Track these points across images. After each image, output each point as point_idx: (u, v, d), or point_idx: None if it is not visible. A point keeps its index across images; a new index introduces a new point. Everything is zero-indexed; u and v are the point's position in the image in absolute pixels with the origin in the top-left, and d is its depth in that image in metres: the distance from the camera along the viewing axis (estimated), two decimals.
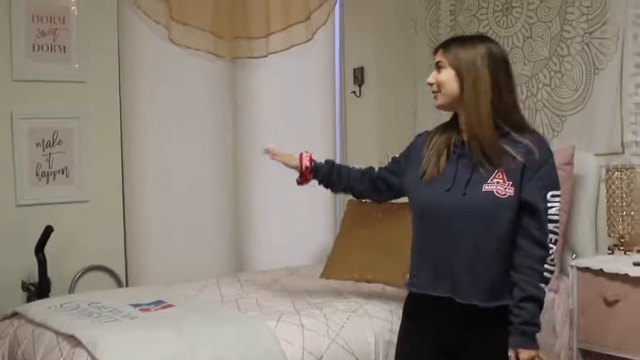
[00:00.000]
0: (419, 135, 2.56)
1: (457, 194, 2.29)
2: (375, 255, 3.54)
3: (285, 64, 4.27)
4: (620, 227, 3.36)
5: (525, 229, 2.26)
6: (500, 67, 2.32)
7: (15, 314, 3.10)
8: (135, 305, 3.04)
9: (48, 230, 3.66)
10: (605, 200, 3.45)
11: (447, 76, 2.33)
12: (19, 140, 3.82)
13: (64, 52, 3.92)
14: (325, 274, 3.71)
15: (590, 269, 3.21)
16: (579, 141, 3.59)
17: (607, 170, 3.45)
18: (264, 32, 4.20)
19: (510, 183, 2.26)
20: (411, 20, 4.50)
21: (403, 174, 2.55)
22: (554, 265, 2.29)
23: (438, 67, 2.36)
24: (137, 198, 4.08)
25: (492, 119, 2.29)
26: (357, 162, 4.52)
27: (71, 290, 3.91)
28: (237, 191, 4.31)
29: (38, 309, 3.03)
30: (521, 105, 2.45)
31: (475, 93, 2.29)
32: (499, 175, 2.27)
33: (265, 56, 4.22)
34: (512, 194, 2.25)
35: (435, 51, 2.39)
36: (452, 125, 2.42)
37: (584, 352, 3.27)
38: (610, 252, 3.39)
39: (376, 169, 2.78)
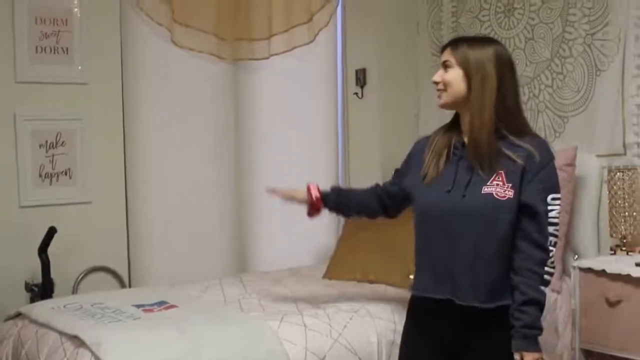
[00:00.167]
0: (418, 142, 2.56)
1: (457, 196, 2.30)
2: (378, 256, 3.56)
3: (287, 66, 4.28)
4: (622, 227, 3.37)
5: (525, 232, 2.27)
6: (506, 69, 2.33)
7: (18, 315, 3.11)
8: (138, 306, 3.04)
9: (51, 231, 3.67)
10: (608, 201, 3.45)
11: (455, 75, 2.33)
12: (22, 142, 3.83)
13: (67, 54, 3.93)
14: (327, 275, 3.72)
15: (592, 269, 3.21)
16: (581, 142, 3.59)
17: (609, 171, 3.46)
18: (266, 34, 4.21)
19: (510, 185, 2.26)
20: (413, 21, 4.50)
21: (405, 180, 2.55)
22: (553, 268, 2.29)
23: (445, 66, 2.35)
24: (140, 199, 4.09)
25: (494, 122, 2.29)
26: (359, 164, 4.59)
27: (74, 291, 3.92)
28: (239, 192, 4.32)
29: (42, 309, 3.04)
30: (523, 107, 2.45)
31: (482, 94, 2.29)
32: (498, 178, 2.27)
33: (268, 58, 4.22)
34: (511, 196, 2.25)
35: (442, 50, 2.39)
36: (453, 126, 2.43)
37: (586, 353, 3.27)
38: (613, 252, 3.39)
39: (381, 184, 2.77)
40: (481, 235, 2.26)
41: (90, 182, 4.00)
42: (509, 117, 2.32)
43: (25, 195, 3.84)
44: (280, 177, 4.30)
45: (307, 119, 4.38)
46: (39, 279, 3.70)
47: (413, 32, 4.50)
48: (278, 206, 4.27)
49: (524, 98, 3.75)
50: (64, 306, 3.06)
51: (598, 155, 3.56)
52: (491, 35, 3.92)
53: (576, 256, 3.51)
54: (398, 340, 2.61)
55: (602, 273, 3.16)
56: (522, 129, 2.34)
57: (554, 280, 2.55)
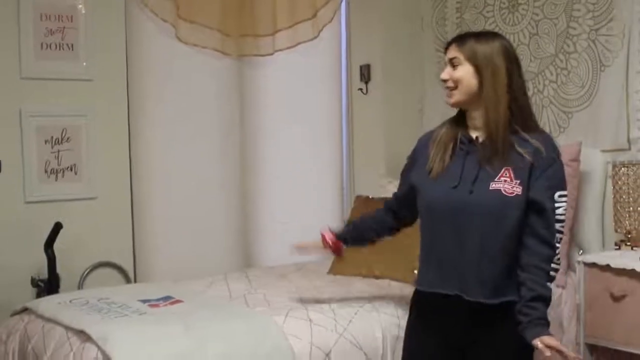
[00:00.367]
0: (420, 138, 2.54)
1: (464, 192, 2.29)
2: (383, 251, 3.55)
3: (291, 62, 4.28)
4: (627, 222, 3.37)
5: (533, 228, 2.26)
6: (514, 63, 2.32)
7: (25, 310, 3.12)
8: (144, 301, 3.05)
9: (57, 227, 3.68)
10: (612, 196, 3.45)
11: (465, 72, 2.31)
12: (27, 138, 3.84)
13: (72, 50, 3.95)
14: (333, 270, 3.72)
15: (597, 264, 3.21)
16: (586, 137, 3.59)
17: (614, 166, 3.46)
18: (270, 30, 4.21)
19: (518, 182, 2.25)
20: (417, 17, 4.50)
21: (411, 175, 2.51)
22: (559, 264, 2.29)
23: (452, 63, 2.33)
24: (145, 195, 4.10)
25: (508, 116, 2.28)
26: (364, 159, 4.59)
27: (80, 286, 3.93)
28: (244, 188, 4.33)
29: (48, 304, 3.05)
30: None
31: (495, 88, 2.27)
32: (506, 174, 2.27)
33: (272, 54, 4.23)
34: (519, 193, 2.25)
35: (446, 47, 2.37)
36: (458, 121, 2.41)
37: (591, 347, 3.27)
38: (617, 247, 3.40)
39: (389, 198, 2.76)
40: (488, 232, 2.26)
41: (95, 177, 4.01)
42: (520, 111, 2.31)
43: (31, 191, 3.85)
44: (285, 172, 4.33)
45: (312, 115, 4.38)
46: (45, 274, 3.72)
47: (417, 28, 4.50)
48: (283, 203, 4.34)
49: (528, 93, 3.74)
50: (70, 301, 3.07)
51: (602, 151, 3.56)
52: (495, 31, 3.91)
53: (581, 251, 3.51)
54: (403, 335, 2.62)
55: (607, 268, 3.16)
56: (531, 123, 2.34)
57: (558, 276, 2.55)
